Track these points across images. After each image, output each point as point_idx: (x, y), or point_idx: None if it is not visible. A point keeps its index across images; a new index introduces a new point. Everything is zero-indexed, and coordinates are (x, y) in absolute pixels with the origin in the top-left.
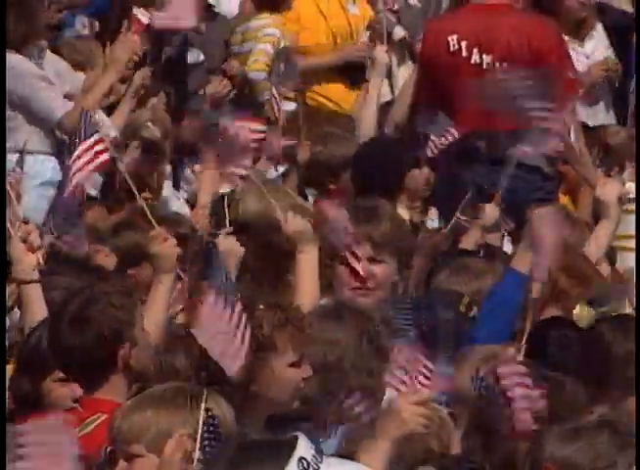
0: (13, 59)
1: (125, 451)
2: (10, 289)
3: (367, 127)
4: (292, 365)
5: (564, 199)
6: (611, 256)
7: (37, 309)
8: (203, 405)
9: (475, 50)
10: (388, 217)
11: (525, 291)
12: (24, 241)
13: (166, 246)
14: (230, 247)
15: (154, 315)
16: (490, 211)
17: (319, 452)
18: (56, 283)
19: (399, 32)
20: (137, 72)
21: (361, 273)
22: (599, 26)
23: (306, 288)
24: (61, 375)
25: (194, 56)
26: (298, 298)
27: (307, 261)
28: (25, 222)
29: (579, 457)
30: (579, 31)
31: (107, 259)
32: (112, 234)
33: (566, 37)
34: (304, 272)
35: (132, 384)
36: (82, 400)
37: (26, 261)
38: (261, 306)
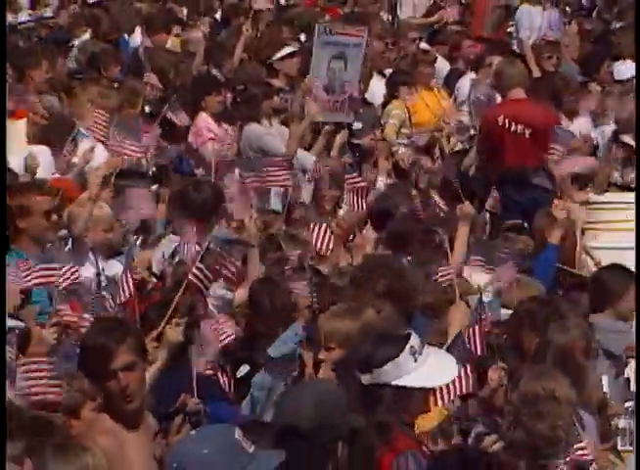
0: (253, 128)
1: (325, 345)
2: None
3: None
4: None
5: (559, 203)
6: None
7: (253, 271)
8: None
9: (512, 123)
10: None
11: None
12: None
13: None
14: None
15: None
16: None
17: (422, 343)
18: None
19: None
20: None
21: None
22: (585, 113)
23: (457, 252)
24: None
25: (355, 126)
26: (452, 259)
27: (463, 234)
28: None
29: None
30: (571, 114)
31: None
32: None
33: (562, 116)
34: (460, 239)
35: None
36: None
37: (251, 228)
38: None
